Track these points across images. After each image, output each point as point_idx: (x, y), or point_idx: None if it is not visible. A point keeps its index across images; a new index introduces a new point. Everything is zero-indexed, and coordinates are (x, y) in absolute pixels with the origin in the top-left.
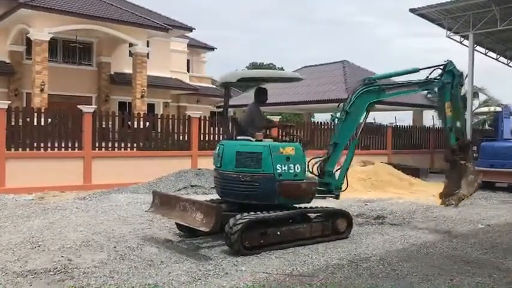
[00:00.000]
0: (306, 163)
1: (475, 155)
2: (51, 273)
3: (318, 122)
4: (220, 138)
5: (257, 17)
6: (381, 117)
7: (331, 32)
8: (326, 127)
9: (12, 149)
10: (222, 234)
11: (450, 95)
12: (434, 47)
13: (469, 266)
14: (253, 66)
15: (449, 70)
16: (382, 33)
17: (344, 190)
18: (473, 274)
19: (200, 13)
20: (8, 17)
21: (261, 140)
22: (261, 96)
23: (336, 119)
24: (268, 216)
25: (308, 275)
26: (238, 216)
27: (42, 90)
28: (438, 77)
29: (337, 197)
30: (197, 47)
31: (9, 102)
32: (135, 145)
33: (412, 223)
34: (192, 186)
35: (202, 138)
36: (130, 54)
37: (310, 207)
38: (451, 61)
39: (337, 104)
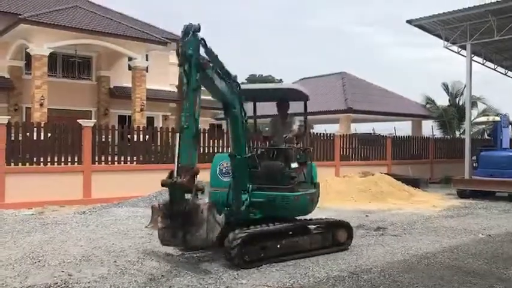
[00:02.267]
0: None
1: (474, 164)
2: None
3: (317, 133)
4: (219, 151)
5: (255, 27)
6: (381, 127)
7: (328, 41)
8: (325, 138)
9: (12, 164)
10: (222, 247)
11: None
12: (433, 57)
13: (470, 276)
14: (252, 78)
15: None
16: (379, 42)
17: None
18: (474, 285)
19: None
20: (8, 32)
21: None
22: (279, 109)
23: None
24: (267, 230)
25: None
26: (237, 230)
27: (41, 104)
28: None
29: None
30: None
31: (9, 117)
32: (134, 158)
33: (413, 234)
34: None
35: (201, 151)
36: (130, 68)
37: (310, 219)
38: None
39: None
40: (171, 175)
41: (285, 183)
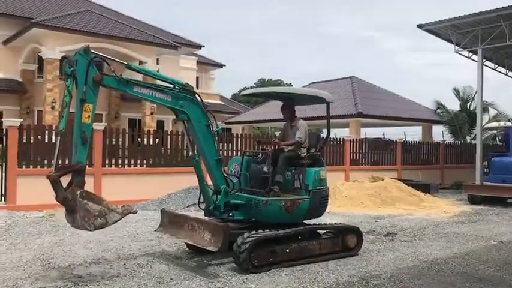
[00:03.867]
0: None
1: (485, 170)
2: None
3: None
4: (229, 155)
5: (265, 32)
6: (392, 132)
7: (338, 47)
8: (335, 143)
9: (24, 166)
10: (231, 251)
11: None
12: (444, 62)
13: (482, 283)
14: (262, 82)
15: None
16: (391, 47)
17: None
18: None
19: (209, 28)
20: (20, 36)
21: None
22: (283, 113)
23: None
24: (276, 234)
25: None
26: (246, 234)
27: (53, 107)
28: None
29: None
30: (206, 64)
31: (21, 120)
32: (144, 162)
33: (423, 240)
34: (201, 202)
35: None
36: None
37: (319, 224)
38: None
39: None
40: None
41: (263, 187)
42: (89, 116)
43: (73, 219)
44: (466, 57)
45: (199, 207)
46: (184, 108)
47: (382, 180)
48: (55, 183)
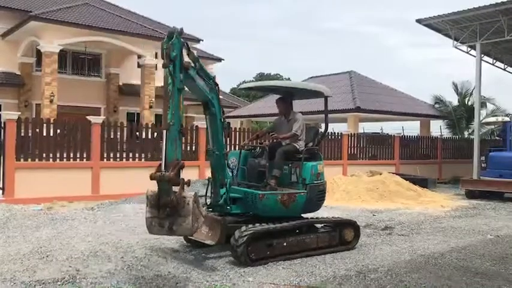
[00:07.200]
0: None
1: (483, 165)
2: (59, 283)
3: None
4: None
5: (264, 27)
6: (390, 127)
7: (337, 42)
8: (333, 137)
9: (22, 160)
10: (229, 245)
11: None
12: (443, 57)
13: (478, 277)
14: (261, 77)
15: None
16: (389, 43)
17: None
18: (482, 286)
19: (207, 23)
20: (19, 29)
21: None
22: (278, 106)
23: None
24: (274, 228)
25: (315, 286)
26: (243, 228)
27: (51, 101)
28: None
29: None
30: (204, 58)
31: (19, 113)
32: (143, 155)
33: (420, 234)
34: (199, 196)
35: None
36: (139, 65)
37: (317, 218)
38: (171, 29)
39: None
40: (159, 169)
41: (260, 181)
42: (181, 108)
43: (166, 223)
44: (464, 52)
45: (205, 202)
46: (214, 101)
47: (380, 174)
48: (168, 184)
